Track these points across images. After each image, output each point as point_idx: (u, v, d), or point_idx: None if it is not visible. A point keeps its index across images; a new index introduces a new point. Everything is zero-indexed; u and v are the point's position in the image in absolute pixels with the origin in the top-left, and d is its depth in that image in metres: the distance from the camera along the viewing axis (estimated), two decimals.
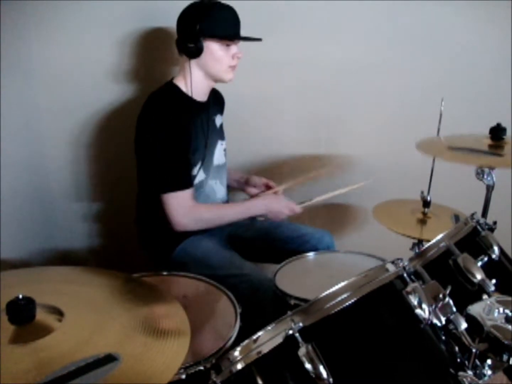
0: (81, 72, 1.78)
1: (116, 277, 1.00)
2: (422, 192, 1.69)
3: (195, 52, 1.41)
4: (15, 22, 1.63)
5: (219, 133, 1.64)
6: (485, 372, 0.93)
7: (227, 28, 1.42)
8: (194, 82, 1.47)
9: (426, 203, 1.67)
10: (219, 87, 1.69)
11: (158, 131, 1.38)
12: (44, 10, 1.68)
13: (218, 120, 1.64)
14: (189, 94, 1.49)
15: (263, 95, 1.92)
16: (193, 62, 1.44)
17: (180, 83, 1.49)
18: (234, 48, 1.45)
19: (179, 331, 0.81)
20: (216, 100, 1.65)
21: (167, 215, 1.42)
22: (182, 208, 1.41)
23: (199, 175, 1.52)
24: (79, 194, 1.95)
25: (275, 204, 1.52)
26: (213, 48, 1.42)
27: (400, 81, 1.94)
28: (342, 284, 0.86)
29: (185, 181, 1.42)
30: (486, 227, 1.17)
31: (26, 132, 1.76)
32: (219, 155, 1.62)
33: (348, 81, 1.93)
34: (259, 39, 1.47)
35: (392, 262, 0.94)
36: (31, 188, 1.78)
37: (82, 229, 2.00)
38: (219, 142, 1.63)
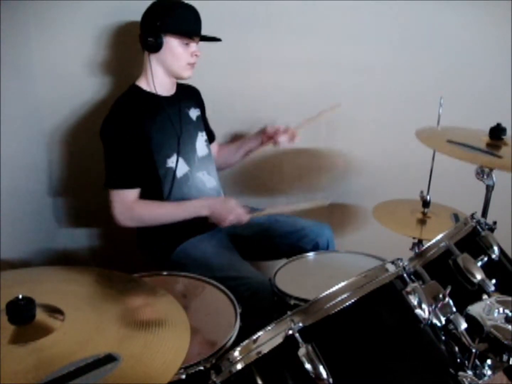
0: (81, 70, 1.77)
1: (116, 277, 1.00)
2: (421, 192, 1.69)
3: (155, 47, 1.47)
4: (15, 22, 1.63)
5: (197, 125, 1.66)
6: (485, 372, 0.93)
7: (187, 26, 1.46)
8: (155, 77, 1.52)
9: (425, 203, 1.67)
10: (218, 85, 1.69)
11: (112, 133, 1.46)
12: (44, 9, 1.68)
13: (193, 113, 1.66)
14: (151, 90, 1.54)
15: (263, 95, 1.92)
16: (153, 57, 1.50)
17: (142, 82, 1.55)
18: (193, 46, 1.49)
19: (179, 331, 0.81)
20: (187, 94, 1.67)
21: (110, 211, 1.49)
22: (121, 206, 1.47)
23: (181, 168, 1.55)
24: (79, 193, 1.95)
25: (219, 208, 1.48)
26: (172, 45, 1.47)
27: (400, 81, 1.94)
28: (342, 284, 0.86)
29: (129, 181, 1.48)
30: (486, 227, 1.16)
31: (26, 131, 1.76)
32: (201, 147, 1.65)
33: (348, 81, 1.93)
34: (218, 39, 1.52)
35: (392, 262, 0.94)
36: (31, 188, 1.78)
37: (82, 229, 2.00)
38: (199, 134, 1.65)
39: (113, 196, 1.48)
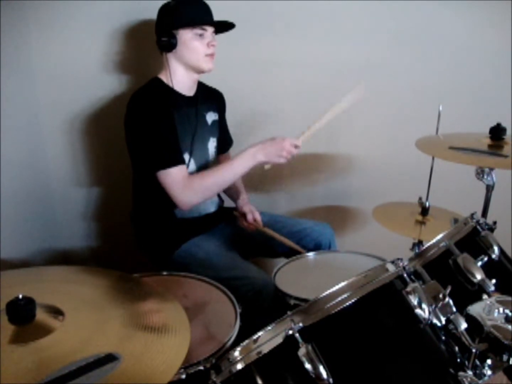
0: (80, 69, 1.77)
1: (116, 277, 1.00)
2: (420, 199, 1.66)
3: (169, 46, 1.45)
4: (15, 21, 1.63)
5: (211, 130, 1.64)
6: (485, 372, 0.93)
7: (196, 16, 1.44)
8: (175, 76, 1.50)
9: (424, 210, 1.64)
10: (218, 85, 1.69)
11: (144, 116, 1.41)
12: (44, 8, 1.68)
13: (210, 116, 1.64)
14: (173, 87, 1.52)
15: (263, 96, 1.92)
16: (171, 56, 1.48)
17: (163, 77, 1.53)
18: (208, 36, 1.46)
19: (179, 331, 0.81)
20: (208, 97, 1.65)
21: (169, 196, 1.42)
22: (177, 184, 1.40)
23: (191, 168, 1.53)
24: (79, 194, 1.95)
25: (271, 148, 1.42)
26: (186, 39, 1.44)
27: (400, 81, 1.94)
28: (342, 284, 0.86)
29: (174, 158, 1.42)
30: (486, 227, 1.17)
31: (26, 131, 1.76)
32: (212, 152, 1.64)
33: (348, 81, 1.91)
34: (231, 24, 1.49)
35: (392, 262, 0.94)
36: (31, 188, 1.78)
37: (82, 230, 2.00)
38: (211, 139, 1.64)
39: (164, 180, 1.40)
